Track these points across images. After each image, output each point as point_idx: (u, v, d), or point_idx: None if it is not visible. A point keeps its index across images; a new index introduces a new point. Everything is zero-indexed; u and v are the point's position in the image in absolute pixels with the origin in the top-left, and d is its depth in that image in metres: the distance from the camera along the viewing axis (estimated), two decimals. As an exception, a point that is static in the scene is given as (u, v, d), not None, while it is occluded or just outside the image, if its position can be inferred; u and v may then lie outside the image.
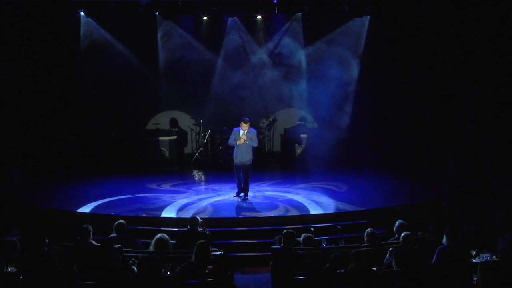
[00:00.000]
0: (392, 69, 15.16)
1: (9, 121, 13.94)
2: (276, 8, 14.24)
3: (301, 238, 8.50)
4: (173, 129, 16.30)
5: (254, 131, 11.92)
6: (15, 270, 7.22)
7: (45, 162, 14.40)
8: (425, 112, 14.79)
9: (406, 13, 14.47)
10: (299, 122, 16.41)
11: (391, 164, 14.81)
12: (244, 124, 11.68)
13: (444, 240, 7.69)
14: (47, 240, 7.83)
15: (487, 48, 13.82)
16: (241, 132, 11.71)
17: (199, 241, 7.67)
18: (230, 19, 15.51)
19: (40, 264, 7.29)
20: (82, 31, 15.12)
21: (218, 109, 16.04)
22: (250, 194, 12.17)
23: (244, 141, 11.64)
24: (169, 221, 10.54)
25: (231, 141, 11.91)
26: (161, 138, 15.68)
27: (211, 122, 16.04)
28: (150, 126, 16.38)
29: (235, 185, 12.24)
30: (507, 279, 6.61)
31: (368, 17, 15.26)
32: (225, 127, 15.52)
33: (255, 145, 11.90)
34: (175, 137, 15.99)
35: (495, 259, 7.60)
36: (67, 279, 6.64)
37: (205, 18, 15.39)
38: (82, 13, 14.81)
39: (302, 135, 15.89)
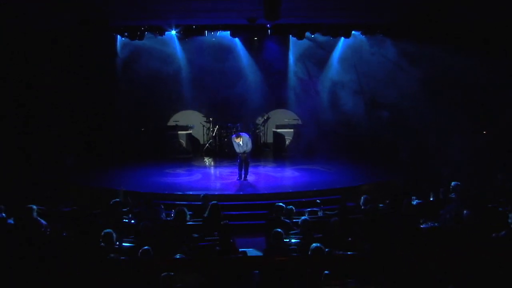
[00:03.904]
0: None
1: (68, 117, 14.01)
2: (269, 31, 14.27)
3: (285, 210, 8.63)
4: (189, 125, 16.42)
5: (247, 136, 11.90)
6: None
7: (93, 150, 14.49)
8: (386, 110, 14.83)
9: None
10: (286, 120, 16.56)
11: (359, 151, 14.94)
12: (236, 138, 11.70)
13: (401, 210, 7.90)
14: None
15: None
16: (237, 143, 11.69)
17: (212, 202, 7.78)
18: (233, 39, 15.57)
19: (87, 226, 7.54)
20: (118, 48, 15.17)
21: (224, 110, 16.15)
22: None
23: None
24: (187, 197, 10.70)
25: (235, 147, 11.91)
26: (179, 132, 15.85)
27: (219, 120, 16.18)
28: (170, 123, 16.51)
29: (237, 169, 12.22)
30: (444, 240, 6.82)
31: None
32: (229, 123, 15.70)
33: (250, 147, 11.87)
34: (190, 131, 16.17)
35: (436, 226, 7.82)
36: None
37: (213, 39, 15.48)
38: (118, 36, 14.84)
39: (289, 130, 16.04)
